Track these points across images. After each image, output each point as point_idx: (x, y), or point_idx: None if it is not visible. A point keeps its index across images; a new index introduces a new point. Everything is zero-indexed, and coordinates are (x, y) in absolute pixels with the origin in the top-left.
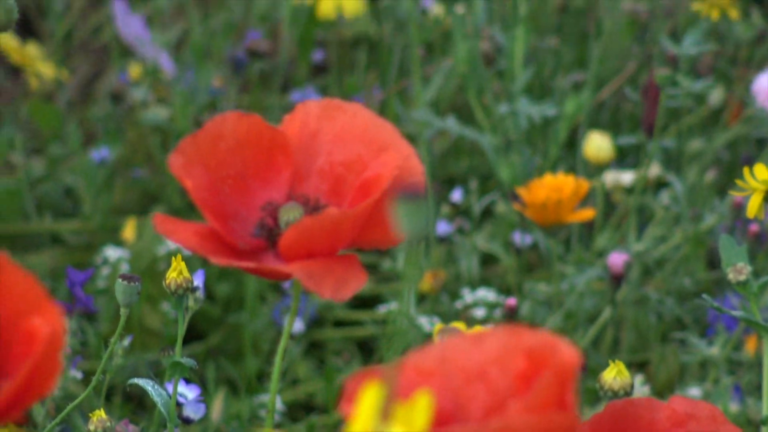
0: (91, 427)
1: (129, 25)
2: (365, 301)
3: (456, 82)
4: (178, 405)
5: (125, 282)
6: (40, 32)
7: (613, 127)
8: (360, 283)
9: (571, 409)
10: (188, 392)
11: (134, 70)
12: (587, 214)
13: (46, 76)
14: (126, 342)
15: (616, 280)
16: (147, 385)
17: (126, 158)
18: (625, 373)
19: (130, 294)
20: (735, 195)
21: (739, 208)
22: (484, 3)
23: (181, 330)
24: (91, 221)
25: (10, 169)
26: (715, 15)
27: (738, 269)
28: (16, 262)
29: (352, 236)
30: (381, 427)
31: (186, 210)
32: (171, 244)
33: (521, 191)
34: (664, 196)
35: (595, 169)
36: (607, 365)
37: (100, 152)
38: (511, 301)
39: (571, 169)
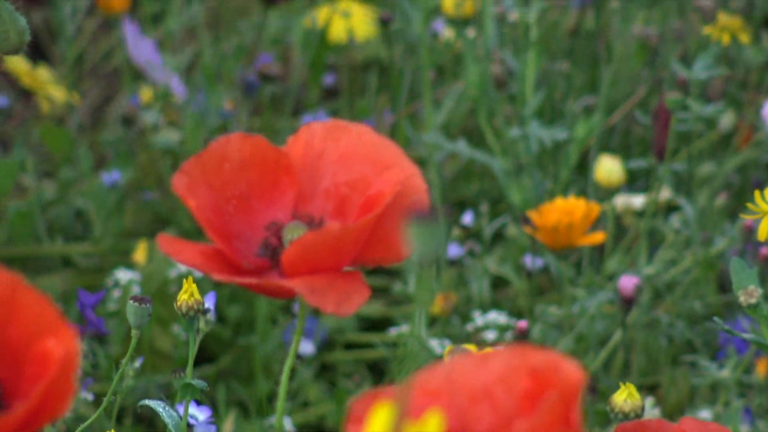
0: None
1: (140, 49)
2: (376, 324)
3: (467, 106)
4: (189, 426)
5: (136, 304)
6: (51, 56)
7: (623, 150)
8: (363, 298)
9: (576, 428)
10: (199, 414)
11: (145, 94)
12: (598, 237)
13: (58, 99)
14: (137, 364)
15: (627, 303)
16: (158, 406)
17: (137, 181)
18: (636, 395)
19: (141, 316)
20: (746, 218)
21: (750, 231)
22: (495, 26)
23: (192, 352)
24: (102, 244)
25: (22, 191)
26: (725, 39)
27: (749, 292)
28: (30, 284)
29: (354, 252)
30: None
31: (196, 233)
32: (182, 267)
33: (532, 214)
34: (675, 220)
35: (605, 193)
36: (617, 388)
37: (111, 175)
38: (522, 323)
39: (582, 193)
